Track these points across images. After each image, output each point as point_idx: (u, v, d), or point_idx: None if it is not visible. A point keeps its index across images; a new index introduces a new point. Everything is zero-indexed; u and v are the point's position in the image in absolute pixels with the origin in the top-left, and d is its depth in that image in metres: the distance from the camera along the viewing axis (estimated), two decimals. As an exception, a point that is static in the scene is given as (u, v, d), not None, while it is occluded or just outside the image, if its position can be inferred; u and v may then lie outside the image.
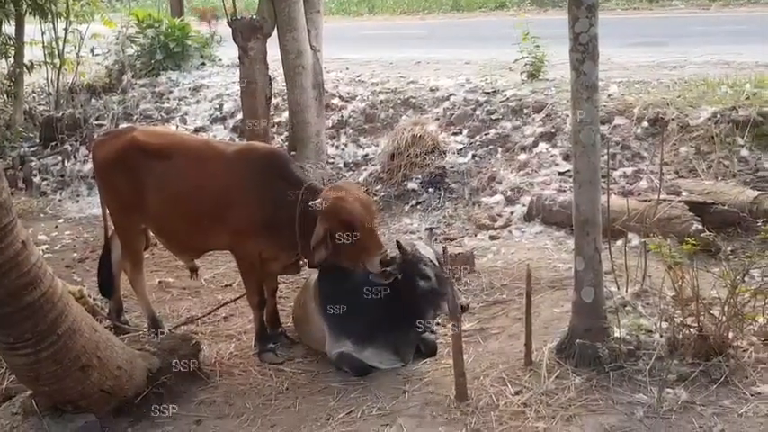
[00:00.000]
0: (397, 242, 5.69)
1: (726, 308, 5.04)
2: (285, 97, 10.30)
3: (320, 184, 6.08)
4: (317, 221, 5.50)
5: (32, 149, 12.12)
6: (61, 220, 10.05)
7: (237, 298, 6.90)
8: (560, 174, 8.96)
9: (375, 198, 9.29)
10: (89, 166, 10.75)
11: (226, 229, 5.92)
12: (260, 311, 6.15)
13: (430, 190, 9.51)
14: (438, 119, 10.55)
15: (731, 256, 6.98)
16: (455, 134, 10.28)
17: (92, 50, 13.84)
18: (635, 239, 6.75)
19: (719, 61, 12.29)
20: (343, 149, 10.71)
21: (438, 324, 6.17)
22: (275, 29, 9.50)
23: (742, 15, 20.30)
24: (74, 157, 11.76)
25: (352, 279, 5.66)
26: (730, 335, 5.02)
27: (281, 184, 5.75)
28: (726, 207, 7.46)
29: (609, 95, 9.76)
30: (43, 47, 13.22)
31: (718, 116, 8.77)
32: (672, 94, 9.64)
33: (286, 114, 10.52)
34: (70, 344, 4.79)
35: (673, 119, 8.99)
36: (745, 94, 9.08)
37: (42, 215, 10.40)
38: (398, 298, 5.50)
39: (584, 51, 5.02)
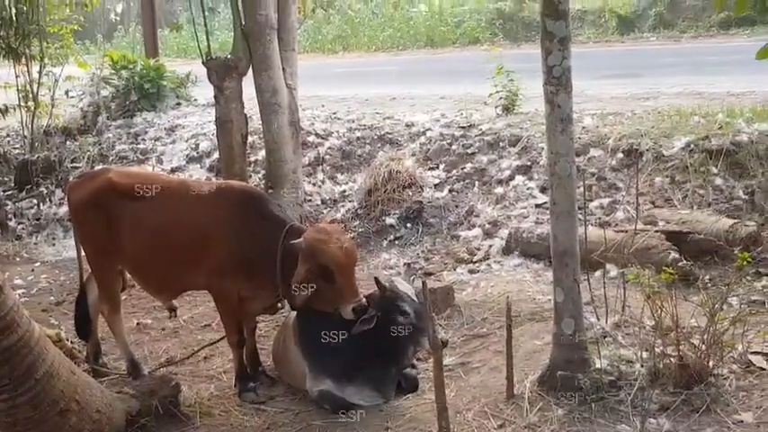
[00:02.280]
0: (376, 278, 5.69)
1: (705, 336, 5.06)
2: (261, 135, 10.29)
3: (303, 225, 6.05)
4: (297, 262, 5.49)
5: (7, 193, 12.03)
6: (37, 264, 9.95)
7: (219, 340, 6.85)
8: (537, 206, 8.99)
9: (353, 234, 9.26)
10: (65, 208, 10.68)
11: (203, 269, 5.88)
12: (239, 351, 6.10)
13: (408, 225, 9.51)
14: (414, 154, 10.58)
15: (709, 285, 7.00)
16: (432, 169, 10.31)
17: (66, 93, 13.78)
18: (613, 270, 6.77)
19: (691, 92, 12.45)
20: (320, 186, 10.70)
21: (419, 359, 6.14)
22: (250, 68, 9.52)
23: (712, 46, 20.57)
24: (49, 199, 11.69)
25: (332, 316, 5.63)
26: (711, 363, 5.03)
27: (258, 223, 5.73)
28: (702, 236, 7.51)
29: (583, 127, 9.83)
30: (17, 90, 13.16)
31: (692, 146, 8.84)
32: (646, 124, 9.71)
33: (262, 152, 10.51)
34: (48, 388, 4.72)
35: (647, 149, 9.05)
36: (718, 123, 9.16)
37: (18, 259, 10.30)
38: (378, 334, 5.48)
39: (557, 84, 5.06)
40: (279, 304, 6.12)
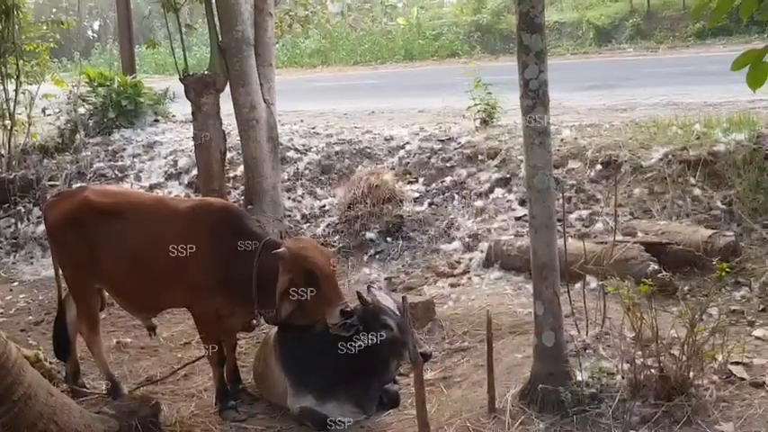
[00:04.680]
0: (358, 293, 5.68)
1: (685, 347, 5.06)
2: (240, 151, 10.27)
3: (278, 238, 6.05)
4: (276, 276, 5.49)
5: (-16, 212, 11.96)
6: (15, 283, 9.88)
7: (199, 358, 6.81)
8: (517, 219, 9.00)
9: (333, 249, 9.24)
10: (43, 227, 10.58)
11: (182, 287, 5.85)
12: (219, 369, 6.07)
13: (388, 239, 9.49)
14: (394, 168, 10.59)
15: (688, 296, 7.04)
16: (411, 182, 10.32)
17: (43, 110, 13.71)
18: (593, 282, 6.79)
19: (669, 102, 12.53)
20: (299, 201, 10.68)
21: (400, 374, 6.12)
22: (227, 83, 9.52)
23: (689, 57, 20.75)
24: (27, 218, 11.59)
25: (312, 332, 5.62)
26: (691, 374, 5.03)
27: (236, 240, 5.72)
28: (681, 247, 7.53)
29: (562, 139, 9.87)
30: (-6, 108, 13.10)
31: (670, 157, 8.89)
32: (624, 136, 9.76)
33: (241, 168, 10.49)
34: (26, 410, 4.67)
35: (625, 161, 9.10)
36: (695, 134, 9.21)
37: (-5, 278, 10.23)
38: (360, 349, 5.46)
39: (534, 97, 5.07)
40: (254, 321, 6.10)
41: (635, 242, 7.53)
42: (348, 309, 5.48)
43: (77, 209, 6.08)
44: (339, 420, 5.59)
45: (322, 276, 5.46)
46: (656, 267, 7.18)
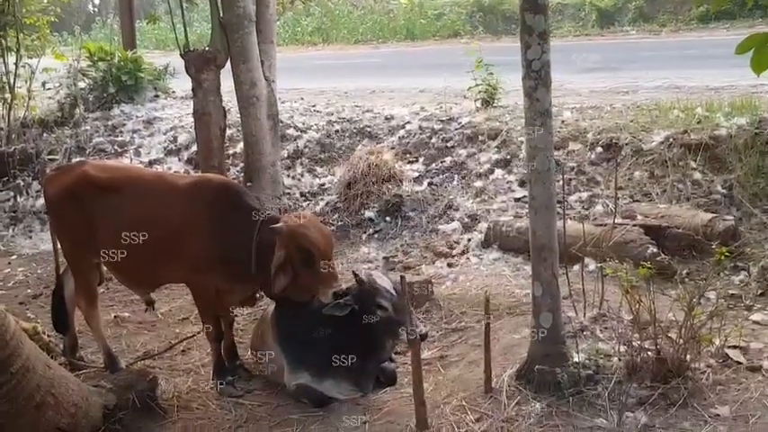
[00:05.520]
0: (354, 272, 5.68)
1: (683, 330, 5.07)
2: (240, 128, 10.26)
3: (278, 214, 6.04)
4: (274, 251, 5.48)
5: (-17, 185, 11.94)
6: (14, 257, 9.88)
7: (196, 333, 6.82)
8: (516, 200, 8.99)
9: (332, 227, 9.23)
10: (42, 201, 10.59)
11: (181, 263, 5.85)
12: (217, 344, 6.08)
13: (387, 218, 9.49)
14: (394, 147, 10.57)
15: (687, 279, 7.03)
16: (411, 162, 10.30)
17: (43, 84, 13.69)
18: (592, 264, 6.79)
19: (671, 85, 12.50)
20: (299, 179, 10.68)
21: (397, 353, 6.13)
22: (228, 60, 9.48)
23: (692, 40, 20.67)
24: (26, 192, 11.58)
25: (309, 310, 5.62)
26: (688, 357, 5.05)
27: (235, 216, 5.72)
28: (680, 230, 7.52)
29: (563, 121, 9.85)
30: (-7, 82, 13.08)
31: (671, 140, 8.87)
32: (625, 118, 9.74)
33: (241, 145, 10.49)
34: (24, 382, 4.69)
35: (626, 143, 9.08)
36: (697, 117, 9.19)
37: (-6, 252, 10.23)
38: (356, 328, 5.47)
39: (536, 78, 5.05)
40: (257, 295, 6.10)
41: (634, 225, 7.52)
42: (341, 291, 5.50)
43: (77, 183, 6.07)
44: (335, 397, 5.61)
45: (318, 255, 5.45)
46: (655, 250, 7.18)
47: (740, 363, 5.31)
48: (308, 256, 5.44)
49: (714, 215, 7.67)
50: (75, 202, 6.04)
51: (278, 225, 5.49)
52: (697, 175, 8.50)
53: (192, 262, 5.79)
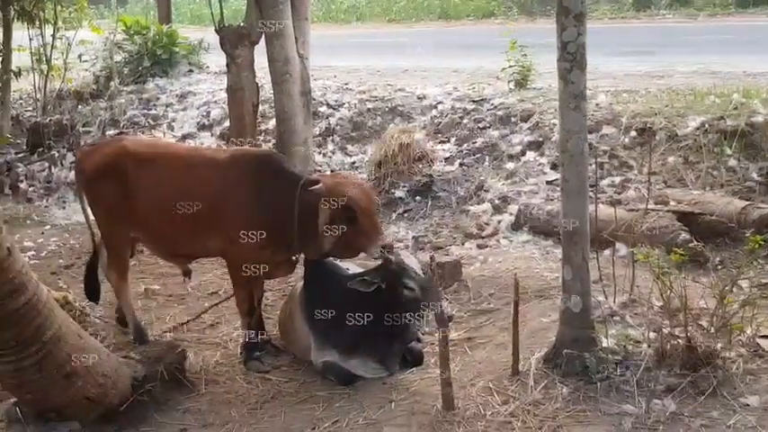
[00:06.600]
0: (381, 251, 5.66)
1: (714, 319, 5.03)
2: (272, 105, 10.28)
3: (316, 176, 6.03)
4: (316, 212, 5.53)
5: (19, 155, 12.03)
6: (47, 227, 9.95)
7: (222, 300, 6.87)
8: (548, 183, 8.94)
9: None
10: (75, 172, 10.68)
11: (221, 235, 5.87)
12: (249, 318, 6.10)
13: (417, 198, 9.48)
14: (425, 127, 10.55)
15: (719, 267, 6.97)
16: (442, 142, 10.28)
17: (79, 57, 13.81)
18: (623, 249, 6.72)
19: (707, 71, 12.35)
20: (330, 157, 10.68)
21: (425, 333, 6.13)
22: (263, 36, 9.49)
23: (729, 25, 20.42)
24: (61, 163, 11.67)
25: (337, 288, 5.63)
26: (719, 346, 5.00)
27: (274, 183, 5.75)
28: (714, 217, 7.45)
29: (597, 104, 9.76)
30: (31, 53, 13.17)
31: (707, 126, 8.77)
32: (660, 103, 9.64)
33: (273, 122, 10.50)
34: (55, 351, 4.73)
35: (661, 128, 9.00)
36: (733, 103, 9.08)
37: (29, 221, 10.29)
38: (384, 307, 5.47)
39: (572, 60, 5.01)
40: (294, 260, 6.10)
41: (667, 211, 7.46)
42: (388, 245, 5.55)
43: (116, 157, 6.12)
44: (362, 376, 5.63)
45: (359, 210, 5.47)
46: (688, 237, 7.11)
47: (771, 352, 5.26)
48: (350, 211, 5.46)
49: (749, 202, 7.59)
50: (116, 175, 6.06)
51: (318, 186, 5.51)
52: (732, 162, 8.41)
53: (232, 233, 5.78)
